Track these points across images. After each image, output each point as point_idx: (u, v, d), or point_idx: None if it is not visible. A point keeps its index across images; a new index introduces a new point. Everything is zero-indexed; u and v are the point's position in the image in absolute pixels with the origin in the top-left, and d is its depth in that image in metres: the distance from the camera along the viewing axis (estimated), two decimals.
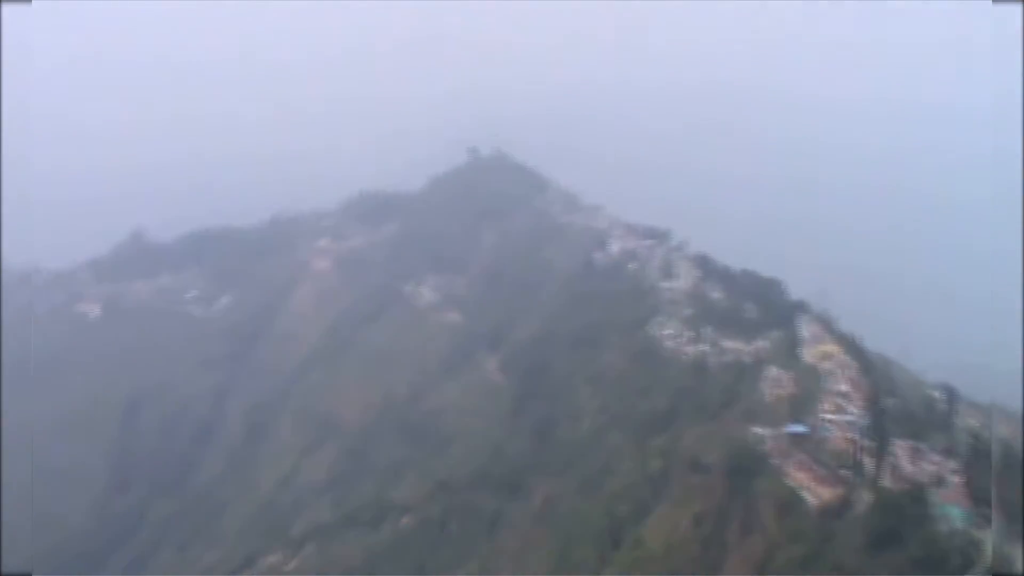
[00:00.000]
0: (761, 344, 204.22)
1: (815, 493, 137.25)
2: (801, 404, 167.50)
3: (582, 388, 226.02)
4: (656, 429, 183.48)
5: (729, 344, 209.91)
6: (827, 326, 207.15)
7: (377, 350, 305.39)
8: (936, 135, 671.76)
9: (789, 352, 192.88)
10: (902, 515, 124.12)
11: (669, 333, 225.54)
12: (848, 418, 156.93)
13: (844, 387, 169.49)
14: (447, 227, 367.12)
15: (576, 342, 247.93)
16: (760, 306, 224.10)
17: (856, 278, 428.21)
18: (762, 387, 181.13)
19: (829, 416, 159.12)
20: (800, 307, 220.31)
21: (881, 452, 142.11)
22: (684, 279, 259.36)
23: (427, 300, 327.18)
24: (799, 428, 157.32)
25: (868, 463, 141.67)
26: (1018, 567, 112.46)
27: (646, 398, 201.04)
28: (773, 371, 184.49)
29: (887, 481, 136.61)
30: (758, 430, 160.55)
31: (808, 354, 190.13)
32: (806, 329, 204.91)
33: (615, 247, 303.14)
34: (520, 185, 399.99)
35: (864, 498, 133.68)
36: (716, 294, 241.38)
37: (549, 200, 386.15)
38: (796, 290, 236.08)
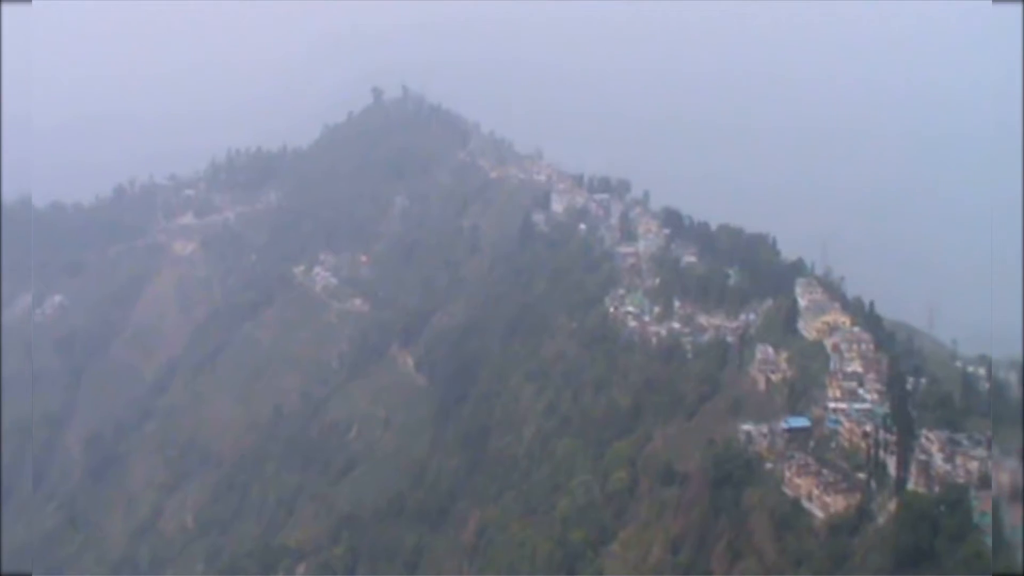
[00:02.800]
0: (748, 318, 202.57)
1: (822, 503, 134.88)
2: (801, 391, 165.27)
3: (523, 386, 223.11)
4: (618, 432, 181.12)
5: (707, 320, 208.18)
6: (832, 291, 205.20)
7: (260, 352, 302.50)
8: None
9: (785, 326, 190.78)
10: (936, 526, 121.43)
11: (631, 310, 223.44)
12: (862, 406, 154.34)
13: (856, 367, 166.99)
14: (345, 191, 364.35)
15: (513, 328, 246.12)
16: (746, 270, 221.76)
17: (866, 230, 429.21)
18: (751, 372, 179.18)
19: (838, 404, 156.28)
20: (797, 269, 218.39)
21: (906, 447, 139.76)
22: (648, 241, 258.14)
23: (323, 285, 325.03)
24: (799, 422, 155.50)
25: (889, 462, 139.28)
26: None
27: (604, 394, 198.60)
28: (765, 351, 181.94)
29: (915, 484, 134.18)
30: (747, 427, 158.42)
31: (809, 327, 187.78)
32: (805, 296, 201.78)
33: (559, 205, 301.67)
34: (438, 134, 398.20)
35: (886, 507, 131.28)
36: (689, 258, 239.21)
37: (474, 150, 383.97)
38: (790, 248, 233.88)
